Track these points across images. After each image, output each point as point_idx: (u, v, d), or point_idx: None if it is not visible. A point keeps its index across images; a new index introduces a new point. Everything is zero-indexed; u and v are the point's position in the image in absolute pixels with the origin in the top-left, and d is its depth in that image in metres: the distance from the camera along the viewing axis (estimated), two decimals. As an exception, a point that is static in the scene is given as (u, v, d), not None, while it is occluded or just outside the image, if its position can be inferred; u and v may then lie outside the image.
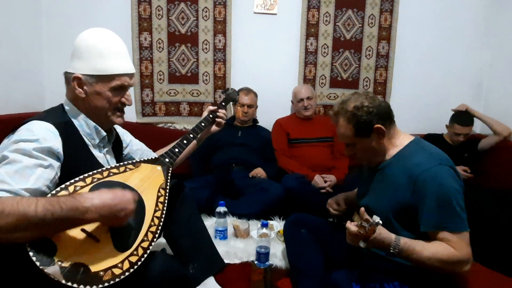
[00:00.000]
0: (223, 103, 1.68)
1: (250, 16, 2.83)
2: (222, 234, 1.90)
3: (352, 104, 1.28)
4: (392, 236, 1.14)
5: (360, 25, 2.90)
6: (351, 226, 1.13)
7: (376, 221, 1.07)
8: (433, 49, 2.96)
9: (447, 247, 1.13)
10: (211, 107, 1.63)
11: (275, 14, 2.84)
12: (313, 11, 2.84)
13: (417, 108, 2.99)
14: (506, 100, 2.78)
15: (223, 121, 1.63)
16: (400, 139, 1.32)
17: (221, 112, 1.62)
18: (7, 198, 0.87)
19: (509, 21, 2.80)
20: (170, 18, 2.76)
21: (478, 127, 2.92)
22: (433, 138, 2.65)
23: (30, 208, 0.84)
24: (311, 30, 2.87)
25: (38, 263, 0.86)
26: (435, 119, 2.81)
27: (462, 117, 2.63)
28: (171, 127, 2.90)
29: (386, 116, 1.28)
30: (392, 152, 1.31)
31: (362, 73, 2.97)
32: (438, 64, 2.98)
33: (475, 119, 2.67)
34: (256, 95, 2.71)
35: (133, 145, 1.50)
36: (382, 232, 1.12)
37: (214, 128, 1.63)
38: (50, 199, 0.90)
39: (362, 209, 1.16)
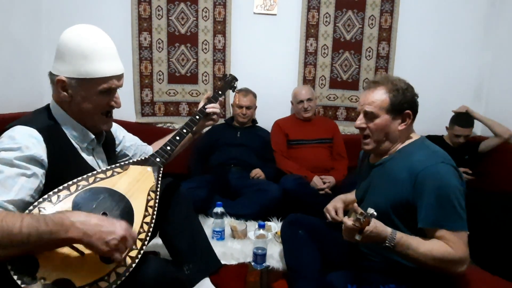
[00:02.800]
0: (220, 92, 1.59)
1: (250, 16, 2.82)
2: (219, 234, 1.89)
3: (395, 82, 1.29)
4: (388, 230, 1.13)
5: (360, 26, 2.89)
6: (347, 220, 1.13)
7: (371, 212, 1.07)
8: (433, 50, 2.94)
9: (444, 245, 1.12)
10: (208, 95, 1.55)
11: (275, 14, 2.83)
12: (313, 11, 2.84)
13: None
14: (507, 102, 2.76)
15: (216, 116, 1.53)
16: (409, 137, 1.33)
17: (210, 108, 1.50)
18: None
19: (510, 22, 2.78)
20: (170, 18, 2.75)
21: (478, 129, 2.90)
22: (433, 140, 2.57)
23: (15, 225, 0.81)
24: (311, 30, 2.87)
25: (19, 282, 0.83)
26: (436, 120, 2.79)
27: (462, 118, 2.62)
28: (170, 127, 2.89)
29: (415, 111, 1.31)
30: (397, 147, 1.31)
31: (362, 74, 2.96)
32: (439, 65, 2.97)
33: (475, 121, 2.66)
34: (255, 95, 2.70)
35: (126, 141, 1.44)
36: (378, 226, 1.11)
37: (209, 122, 1.55)
38: (36, 216, 0.87)
39: (355, 204, 1.16)
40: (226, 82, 1.68)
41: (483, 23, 2.92)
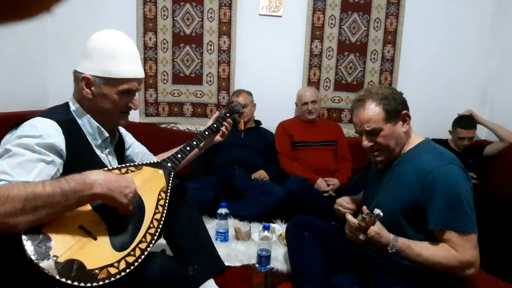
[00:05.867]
0: (227, 114, 1.67)
1: (255, 18, 2.82)
2: (223, 236, 1.87)
3: (379, 91, 1.27)
4: (391, 236, 1.13)
5: (366, 28, 2.89)
6: (353, 219, 1.13)
7: (377, 213, 1.07)
8: (439, 53, 2.94)
9: (448, 249, 1.12)
10: (217, 115, 1.63)
11: (280, 16, 2.83)
12: (319, 13, 2.84)
13: (421, 113, 2.94)
14: (512, 106, 2.76)
15: (227, 132, 1.62)
16: (413, 138, 1.32)
17: (225, 124, 1.60)
18: (12, 184, 0.87)
19: (516, 26, 2.78)
20: (175, 18, 2.76)
21: (483, 133, 2.89)
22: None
23: (38, 187, 0.86)
24: (316, 32, 2.86)
25: (33, 257, 0.85)
26: (440, 124, 2.79)
27: (464, 120, 2.61)
28: (174, 128, 2.89)
29: (408, 108, 1.30)
30: (404, 149, 1.30)
31: (367, 76, 2.95)
32: (444, 69, 2.96)
33: (481, 125, 2.65)
34: (249, 93, 2.68)
35: (135, 148, 1.49)
36: (382, 233, 1.12)
37: (217, 138, 1.62)
38: (55, 179, 0.92)
39: (364, 207, 1.16)
40: (233, 107, 1.75)
41: (489, 27, 2.92)
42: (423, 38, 2.92)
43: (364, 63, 2.94)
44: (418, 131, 1.37)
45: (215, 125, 1.59)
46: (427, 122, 2.93)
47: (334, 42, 2.89)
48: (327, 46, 2.89)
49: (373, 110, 1.25)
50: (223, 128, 1.61)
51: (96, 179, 0.93)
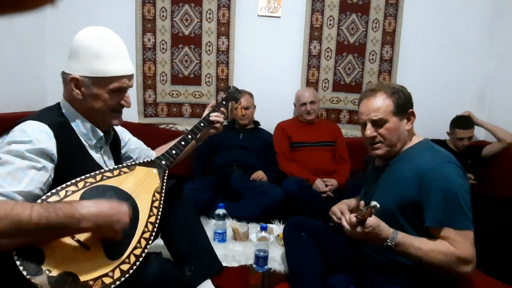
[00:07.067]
0: (224, 102, 1.63)
1: (253, 18, 2.83)
2: (221, 236, 1.88)
3: (391, 85, 1.31)
4: (390, 229, 1.14)
5: (364, 29, 2.89)
6: (350, 215, 1.14)
7: (374, 204, 1.07)
8: (437, 55, 2.94)
9: (447, 245, 1.12)
10: (213, 103, 1.59)
11: (279, 17, 2.83)
12: (317, 14, 2.84)
13: (420, 114, 2.87)
14: (511, 108, 2.76)
15: (219, 124, 1.57)
16: (413, 137, 1.34)
17: (213, 116, 1.54)
18: (1, 202, 0.84)
19: (515, 27, 2.79)
20: (174, 19, 2.76)
21: (482, 134, 2.89)
22: (436, 144, 2.63)
23: (25, 213, 0.82)
24: (314, 33, 2.87)
25: (25, 273, 0.83)
26: (438, 125, 2.79)
27: (462, 121, 2.62)
28: (172, 128, 2.90)
29: (413, 108, 1.32)
30: (403, 148, 1.32)
31: (365, 77, 2.96)
32: (442, 70, 2.96)
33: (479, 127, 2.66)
34: (251, 95, 2.68)
35: (131, 144, 1.47)
36: (381, 225, 1.12)
37: (212, 130, 1.58)
38: (45, 205, 0.88)
39: (362, 202, 1.16)
40: (229, 94, 1.71)
41: (487, 29, 2.92)
42: (421, 39, 2.92)
43: (362, 64, 2.94)
44: (416, 131, 1.38)
45: (210, 115, 1.53)
46: (426, 123, 2.91)
47: (332, 43, 2.89)
48: (326, 47, 2.89)
49: (383, 101, 1.28)
50: (215, 118, 1.53)
51: (85, 215, 0.88)
